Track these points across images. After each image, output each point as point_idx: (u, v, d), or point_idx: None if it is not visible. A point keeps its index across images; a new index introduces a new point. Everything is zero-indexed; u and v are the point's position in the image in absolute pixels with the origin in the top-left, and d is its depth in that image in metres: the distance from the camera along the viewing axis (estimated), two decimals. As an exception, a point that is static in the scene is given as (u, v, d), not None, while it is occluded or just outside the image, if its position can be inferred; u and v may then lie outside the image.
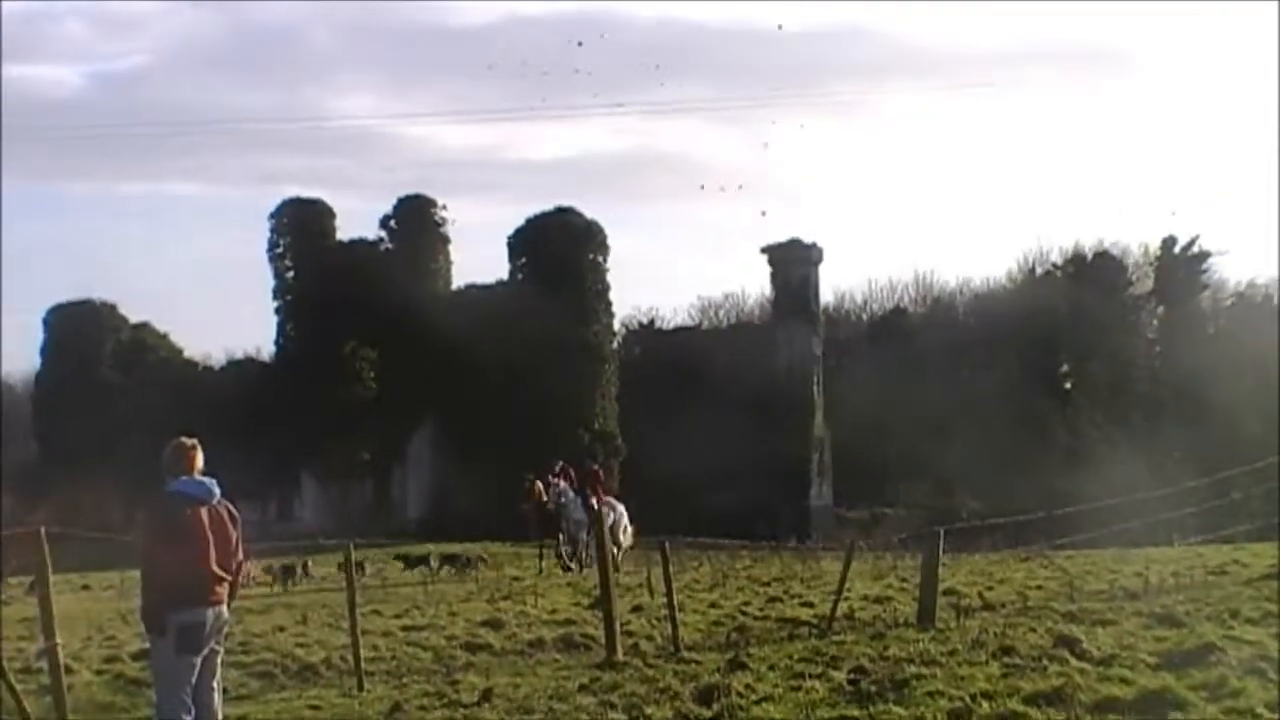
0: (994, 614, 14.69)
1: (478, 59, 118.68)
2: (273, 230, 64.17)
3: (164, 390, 58.30)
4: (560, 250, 60.76)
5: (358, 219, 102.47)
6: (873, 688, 9.93)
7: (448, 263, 65.50)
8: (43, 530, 10.79)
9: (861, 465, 61.46)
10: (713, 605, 18.13)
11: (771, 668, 11.47)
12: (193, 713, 8.46)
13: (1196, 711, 8.58)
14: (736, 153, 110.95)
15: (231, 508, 8.82)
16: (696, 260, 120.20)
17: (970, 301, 75.76)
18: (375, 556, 31.19)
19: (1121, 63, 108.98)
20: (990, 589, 17.93)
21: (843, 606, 15.52)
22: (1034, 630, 12.41)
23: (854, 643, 12.87)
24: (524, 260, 62.51)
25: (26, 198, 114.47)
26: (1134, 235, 73.27)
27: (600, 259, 63.33)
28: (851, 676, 10.52)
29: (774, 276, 67.91)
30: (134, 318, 65.75)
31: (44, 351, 64.22)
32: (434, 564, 28.65)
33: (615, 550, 29.41)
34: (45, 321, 63.98)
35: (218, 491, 8.69)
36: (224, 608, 8.70)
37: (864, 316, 77.92)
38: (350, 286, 59.23)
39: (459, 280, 65.48)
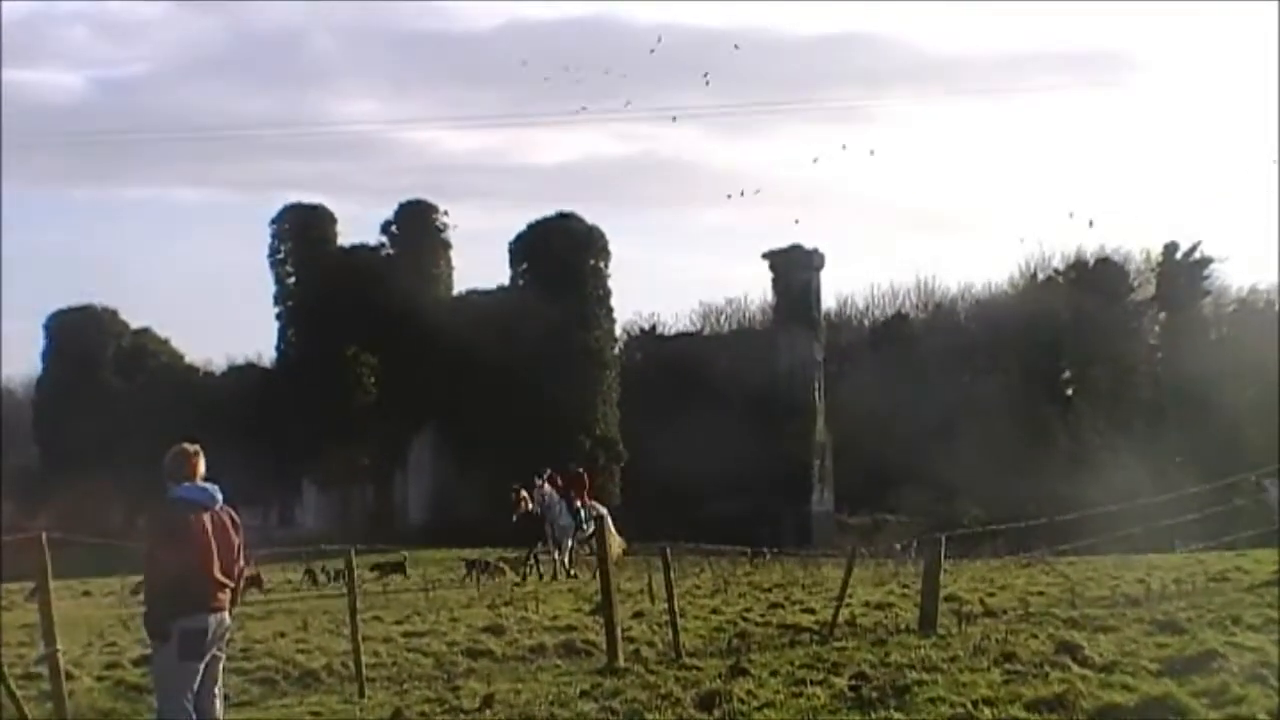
0: (995, 620, 14.66)
1: (479, 64, 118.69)
2: (274, 236, 64.31)
3: (165, 396, 58.40)
4: (562, 255, 60.84)
5: (359, 224, 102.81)
6: (874, 694, 9.92)
7: (449, 268, 65.63)
8: (44, 536, 10.78)
9: (863, 471, 61.44)
10: (714, 611, 18.10)
11: (773, 674, 11.46)
12: (193, 719, 8.45)
13: (1198, 718, 8.56)
14: (738, 159, 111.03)
15: (234, 514, 8.81)
16: (698, 265, 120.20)
17: (972, 307, 75.81)
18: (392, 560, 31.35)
19: (1121, 67, 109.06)
20: (992, 595, 17.91)
21: (844, 613, 15.49)
22: (1035, 636, 12.40)
23: (855, 649, 12.85)
24: (525, 266, 62.59)
25: (28, 202, 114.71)
26: (1135, 241, 73.16)
27: (602, 264, 63.41)
28: (853, 683, 10.52)
29: (775, 282, 67.96)
30: (135, 323, 65.98)
31: (45, 357, 64.35)
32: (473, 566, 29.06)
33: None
34: (46, 327, 64.11)
35: (220, 497, 8.69)
36: (226, 614, 8.69)
37: (865, 322, 77.99)
38: (351, 292, 59.33)
39: (460, 286, 65.71)
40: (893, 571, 24.20)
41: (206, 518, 8.55)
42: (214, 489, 8.67)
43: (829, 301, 72.09)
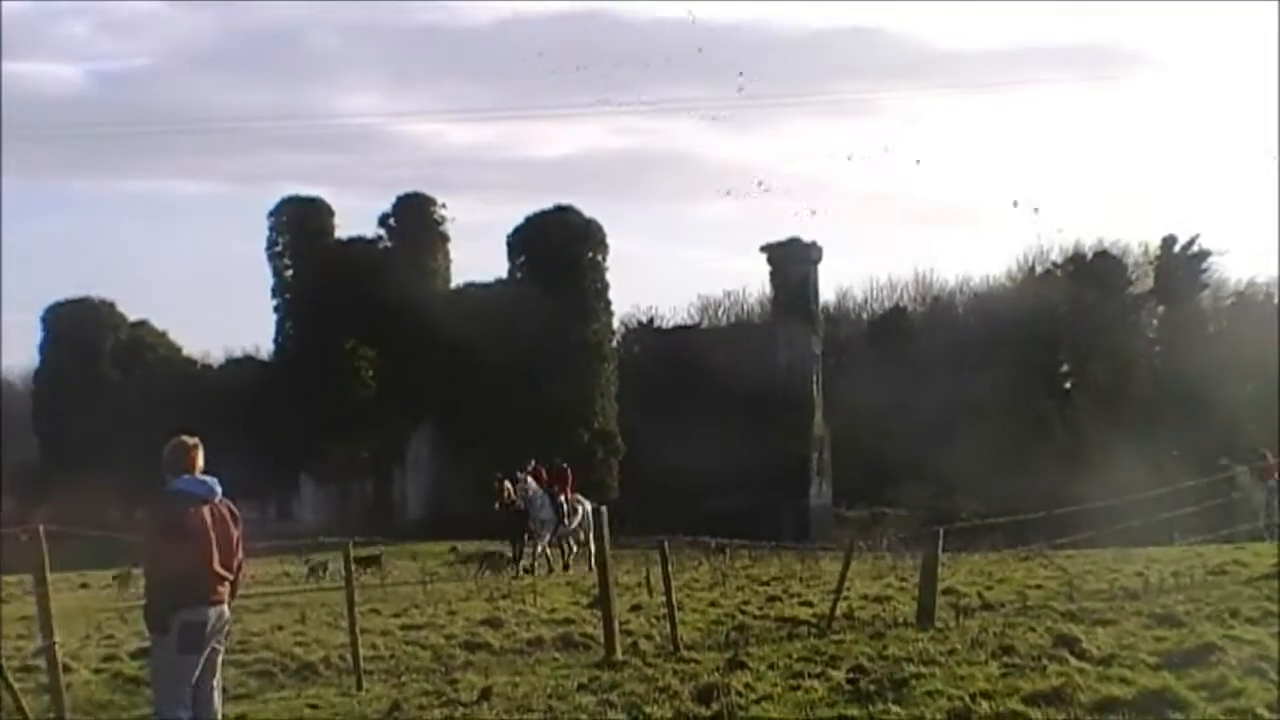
0: (993, 613, 14.66)
1: (479, 57, 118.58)
2: (272, 228, 64.15)
3: (163, 388, 58.34)
4: (560, 249, 60.76)
5: (357, 217, 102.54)
6: (872, 687, 9.92)
7: (447, 261, 65.52)
8: (41, 529, 10.77)
9: (861, 464, 61.46)
10: (712, 604, 18.10)
11: (771, 667, 11.46)
12: (191, 712, 8.44)
13: (1196, 711, 8.57)
14: (737, 152, 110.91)
15: (233, 507, 8.80)
16: (696, 259, 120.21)
17: (970, 300, 75.82)
18: (388, 553, 31.32)
19: (1120, 61, 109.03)
20: (990, 588, 17.90)
21: (842, 606, 15.50)
22: (1033, 630, 12.40)
23: (853, 642, 12.85)
24: (523, 259, 62.49)
25: (26, 195, 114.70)
26: (1134, 234, 73.18)
27: (600, 257, 63.31)
28: (850, 676, 10.52)
29: (774, 275, 67.89)
30: (133, 316, 65.79)
31: (43, 349, 64.19)
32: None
33: (573, 548, 29.45)
34: (44, 319, 63.96)
35: (219, 490, 8.68)
36: (225, 607, 8.69)
37: (864, 315, 77.98)
38: (349, 285, 59.25)
39: (458, 279, 65.58)
40: (890, 565, 24.17)
41: (206, 510, 8.54)
42: (213, 482, 8.66)
43: (827, 295, 72.20)
